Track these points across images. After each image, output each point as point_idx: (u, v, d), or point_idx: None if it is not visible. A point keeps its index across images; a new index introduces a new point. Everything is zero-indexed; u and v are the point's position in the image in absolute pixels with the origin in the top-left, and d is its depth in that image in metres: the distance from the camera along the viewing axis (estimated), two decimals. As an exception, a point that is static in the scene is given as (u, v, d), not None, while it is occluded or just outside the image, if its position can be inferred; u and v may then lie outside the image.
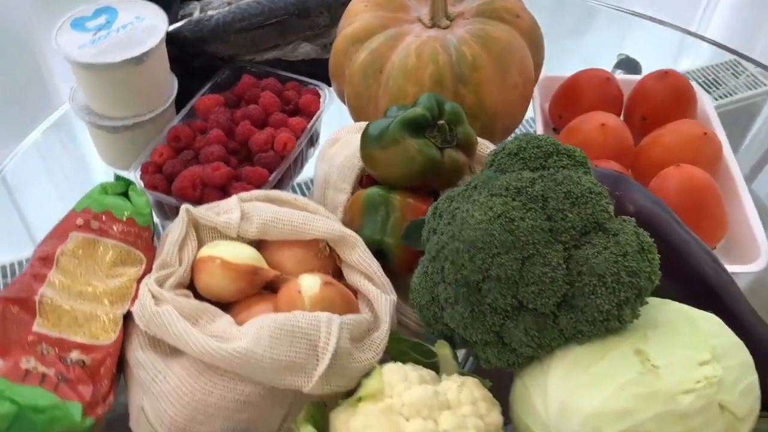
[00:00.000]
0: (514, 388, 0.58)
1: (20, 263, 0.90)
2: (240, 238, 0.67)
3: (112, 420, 0.61)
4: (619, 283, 0.51)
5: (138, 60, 0.80)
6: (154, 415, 0.57)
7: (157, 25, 0.83)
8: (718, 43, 1.25)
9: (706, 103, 0.89)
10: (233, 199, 0.68)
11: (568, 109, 0.89)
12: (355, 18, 0.87)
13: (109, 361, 0.60)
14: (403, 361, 0.58)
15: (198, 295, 0.64)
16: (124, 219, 0.67)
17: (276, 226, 0.66)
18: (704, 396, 0.49)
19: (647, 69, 0.91)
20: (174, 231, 0.65)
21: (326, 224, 0.66)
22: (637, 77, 0.91)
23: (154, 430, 0.57)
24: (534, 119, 0.94)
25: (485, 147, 0.75)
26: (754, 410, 0.52)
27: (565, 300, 0.53)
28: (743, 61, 1.24)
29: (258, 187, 0.77)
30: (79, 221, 0.66)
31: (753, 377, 0.53)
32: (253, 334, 0.55)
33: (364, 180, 0.75)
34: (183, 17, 0.95)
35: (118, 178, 0.71)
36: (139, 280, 0.65)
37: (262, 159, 0.80)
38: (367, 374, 0.57)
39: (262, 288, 0.65)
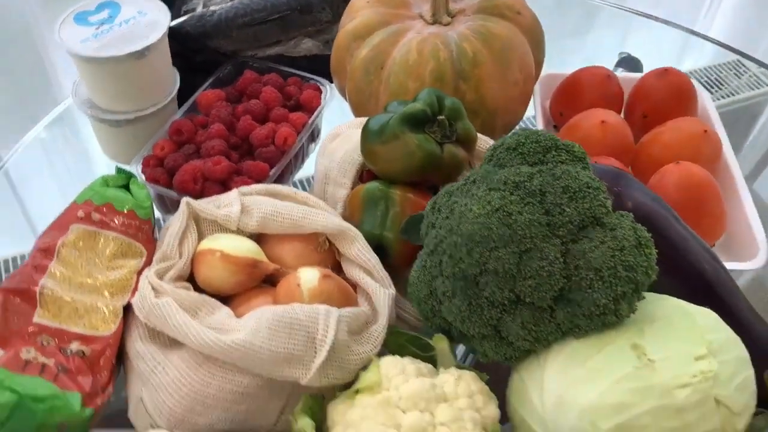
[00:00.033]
0: (511, 381, 0.58)
1: (23, 257, 0.90)
2: (240, 232, 0.67)
3: (111, 416, 0.61)
4: (615, 278, 0.51)
5: (140, 54, 0.80)
6: (153, 405, 0.58)
7: (159, 20, 0.83)
8: (720, 43, 1.25)
9: (707, 100, 0.89)
10: (233, 193, 0.69)
11: (568, 107, 0.89)
12: (357, 14, 0.87)
13: (108, 352, 0.61)
14: (401, 355, 0.58)
15: (198, 288, 0.64)
16: (125, 211, 0.67)
17: (276, 220, 0.66)
18: (700, 390, 0.49)
19: (649, 68, 0.91)
20: (174, 224, 0.66)
21: (326, 218, 0.66)
22: (638, 75, 0.91)
23: (152, 421, 0.58)
24: (535, 117, 0.94)
25: (485, 143, 0.75)
26: (750, 405, 0.52)
27: (562, 294, 0.53)
28: (746, 61, 1.24)
29: (258, 181, 0.77)
30: (80, 213, 0.66)
31: (749, 372, 0.53)
32: (252, 326, 0.56)
33: (364, 175, 0.75)
34: (186, 12, 0.95)
35: (119, 170, 0.71)
36: (139, 273, 0.65)
37: (262, 153, 0.80)
38: (364, 367, 0.57)
39: (262, 281, 0.66)
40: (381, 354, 0.59)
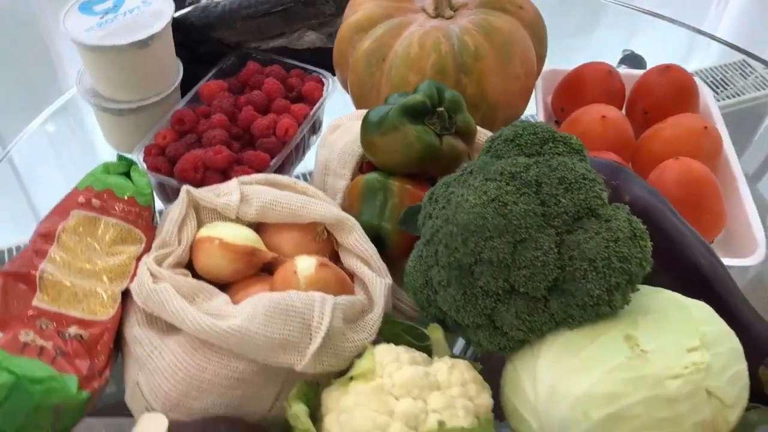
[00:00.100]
0: (505, 371, 0.58)
1: (26, 245, 0.91)
2: (239, 220, 0.68)
3: (112, 406, 0.62)
4: (609, 268, 0.51)
5: (143, 43, 0.81)
6: (149, 389, 0.58)
7: (163, 10, 0.84)
8: (727, 43, 1.25)
9: (708, 98, 0.89)
10: (233, 182, 0.69)
11: (570, 102, 0.89)
12: (360, 7, 0.87)
13: (106, 336, 0.61)
14: (397, 344, 0.59)
15: (196, 275, 0.64)
16: (126, 198, 0.68)
17: (275, 209, 0.66)
18: (691, 382, 0.49)
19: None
20: (174, 211, 0.66)
21: (324, 208, 0.66)
22: (640, 72, 0.91)
23: (148, 405, 0.58)
24: (536, 112, 0.94)
25: (484, 135, 0.75)
26: (742, 398, 0.53)
27: (556, 284, 0.53)
28: (752, 62, 1.23)
29: (259, 171, 0.78)
30: (81, 199, 0.67)
31: (741, 365, 0.53)
32: (248, 312, 0.56)
33: (364, 166, 0.76)
34: (190, 3, 0.96)
35: (120, 158, 0.72)
36: (138, 259, 0.65)
37: (263, 144, 0.81)
38: (359, 355, 0.57)
39: (260, 270, 0.66)
40: (376, 343, 0.59)
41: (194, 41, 0.93)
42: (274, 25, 0.94)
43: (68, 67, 1.39)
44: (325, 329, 0.56)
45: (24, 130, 1.02)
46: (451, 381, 0.54)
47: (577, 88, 0.90)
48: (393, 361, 0.55)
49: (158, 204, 0.76)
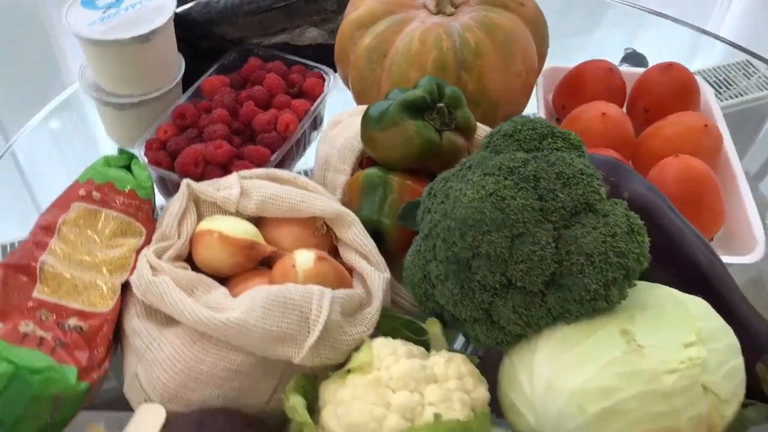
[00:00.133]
0: (502, 366, 0.58)
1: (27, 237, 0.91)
2: (239, 214, 0.68)
3: (113, 401, 0.62)
4: (606, 263, 0.52)
5: (145, 38, 0.81)
6: (147, 381, 0.58)
7: (165, 5, 0.84)
8: (731, 42, 1.25)
9: (709, 96, 0.89)
10: (233, 176, 0.69)
11: (571, 100, 0.89)
12: (361, 3, 0.87)
13: (106, 328, 0.61)
14: (395, 338, 0.59)
15: (196, 268, 0.65)
16: (126, 191, 0.68)
17: (274, 203, 0.67)
18: (687, 376, 0.49)
19: (656, 66, 0.91)
20: (174, 205, 0.67)
21: (324, 203, 0.67)
22: (642, 70, 0.91)
23: (146, 396, 0.58)
24: (537, 110, 0.94)
25: (484, 132, 0.76)
26: (738, 393, 0.53)
27: (554, 279, 0.53)
28: (755, 62, 1.23)
29: (259, 166, 0.78)
30: (82, 192, 0.67)
31: (738, 361, 0.53)
32: (247, 304, 0.56)
33: (364, 162, 0.76)
34: (193, -1, 0.96)
35: (121, 151, 0.72)
36: (138, 251, 0.66)
37: (264, 139, 0.81)
38: (357, 348, 0.58)
39: (259, 264, 0.67)
40: (374, 337, 0.59)
41: (196, 36, 0.93)
42: (276, 21, 0.95)
43: (71, 62, 1.40)
44: (323, 322, 0.56)
45: (26, 125, 1.03)
46: (447, 374, 0.55)
47: (578, 86, 0.90)
48: (390, 354, 0.55)
49: (159, 199, 0.76)
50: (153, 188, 0.71)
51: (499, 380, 0.58)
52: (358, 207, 0.70)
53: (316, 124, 0.92)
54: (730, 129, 0.87)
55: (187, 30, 0.92)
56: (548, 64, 0.93)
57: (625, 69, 0.94)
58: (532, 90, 0.88)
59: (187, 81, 0.91)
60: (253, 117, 0.83)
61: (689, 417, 0.49)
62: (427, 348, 0.59)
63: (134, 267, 0.64)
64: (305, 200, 0.66)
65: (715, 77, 1.22)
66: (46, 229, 0.65)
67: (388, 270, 0.65)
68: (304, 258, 0.61)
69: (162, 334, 0.59)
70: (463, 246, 0.55)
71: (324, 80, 0.91)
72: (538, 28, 0.86)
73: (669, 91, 0.86)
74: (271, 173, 0.71)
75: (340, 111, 0.82)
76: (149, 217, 0.69)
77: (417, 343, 0.59)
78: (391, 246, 0.69)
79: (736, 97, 1.18)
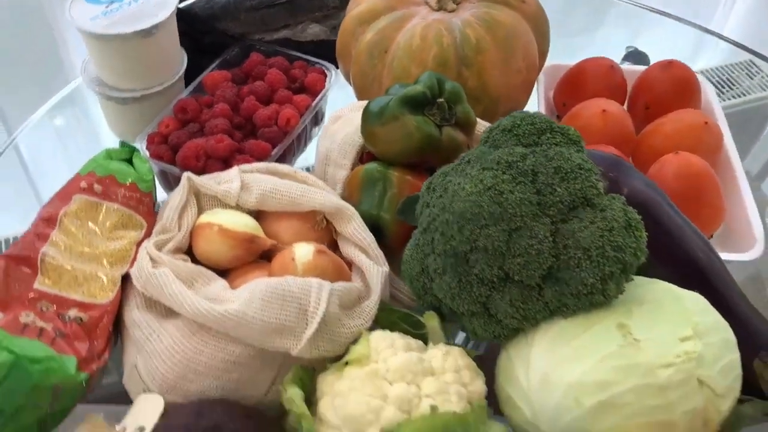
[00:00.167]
0: (500, 360, 0.58)
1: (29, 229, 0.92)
2: (239, 208, 0.68)
3: (115, 395, 0.62)
4: (603, 257, 0.52)
5: (148, 32, 0.82)
6: (146, 372, 0.59)
7: (168, 0, 0.85)
8: (734, 42, 1.25)
9: (710, 94, 0.89)
10: (234, 170, 0.70)
11: (572, 97, 0.89)
12: (363, -1, 0.88)
13: (105, 319, 0.62)
14: (393, 331, 0.59)
15: (196, 261, 0.65)
16: (127, 184, 0.69)
17: (274, 197, 0.67)
18: (683, 370, 0.50)
19: (658, 65, 0.91)
20: (175, 198, 0.67)
21: (323, 197, 0.67)
22: (643, 67, 0.92)
23: (145, 387, 0.59)
24: (538, 107, 0.94)
25: (484, 127, 0.75)
26: (734, 388, 0.53)
27: (551, 273, 0.53)
28: (758, 62, 1.23)
29: (260, 160, 0.78)
30: (83, 184, 0.67)
31: (734, 356, 0.53)
32: (246, 296, 0.57)
33: (364, 157, 0.76)
34: (195, -6, 0.97)
35: (123, 144, 0.72)
36: (138, 244, 0.66)
37: (265, 134, 0.81)
38: (355, 341, 0.58)
39: (259, 258, 0.67)
40: (372, 330, 0.60)
41: (198, 32, 0.94)
42: (279, 17, 0.95)
43: (74, 57, 1.40)
44: (321, 314, 0.56)
45: (29, 119, 1.03)
46: (445, 367, 0.55)
47: (579, 83, 0.90)
48: (388, 347, 0.56)
49: (161, 193, 0.77)
50: (154, 181, 0.71)
51: (496, 374, 0.58)
52: (357, 201, 0.70)
53: (317, 119, 0.92)
54: (733, 129, 0.87)
55: (190, 25, 0.92)
56: (550, 61, 0.93)
57: (626, 67, 0.94)
58: (532, 87, 0.88)
59: (189, 76, 0.91)
60: (254, 112, 0.83)
61: (684, 411, 0.50)
62: (425, 341, 0.60)
63: (135, 259, 0.64)
64: (305, 194, 0.67)
65: (718, 77, 1.22)
66: (47, 220, 0.65)
67: (387, 264, 0.65)
68: (304, 251, 0.62)
69: (161, 325, 0.60)
70: (461, 240, 0.55)
71: (325, 76, 0.91)
72: (539, 25, 0.86)
73: (670, 89, 0.86)
74: (272, 167, 0.71)
75: (342, 107, 0.83)
76: (150, 210, 0.70)
77: (415, 336, 0.59)
78: (390, 240, 0.69)
79: (739, 96, 1.18)
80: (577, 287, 0.52)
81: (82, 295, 0.62)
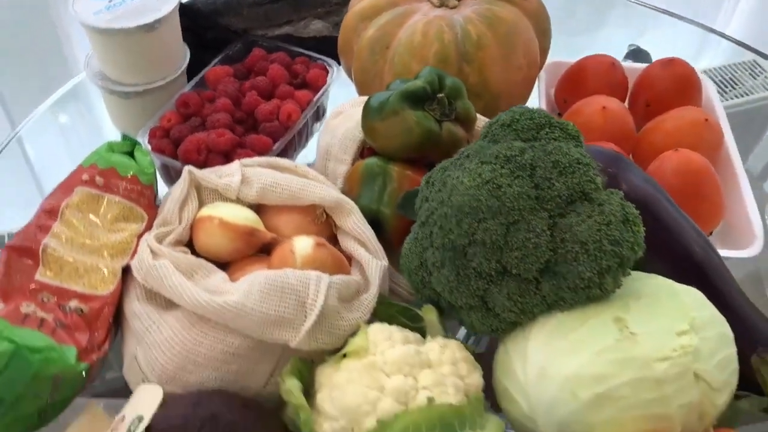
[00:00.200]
0: (497, 353, 0.59)
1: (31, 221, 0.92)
2: (240, 201, 0.68)
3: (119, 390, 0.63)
4: (601, 251, 0.52)
5: (150, 27, 0.82)
6: (146, 363, 0.59)
7: (170, -6, 0.85)
8: (738, 41, 1.25)
9: (711, 92, 0.89)
10: (235, 164, 0.70)
11: (573, 94, 0.89)
12: (366, -5, 0.88)
13: (106, 310, 0.62)
14: (391, 324, 0.59)
15: (197, 254, 0.65)
16: (129, 176, 0.69)
17: (274, 191, 0.67)
18: (679, 364, 0.50)
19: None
20: (176, 191, 0.67)
21: (324, 191, 0.67)
22: (644, 65, 0.92)
23: (145, 377, 0.59)
24: (539, 104, 0.94)
25: (485, 123, 0.76)
26: (731, 382, 0.53)
27: (548, 266, 0.54)
28: (762, 62, 1.23)
29: (261, 154, 0.79)
30: (85, 176, 0.68)
31: (731, 350, 0.53)
32: (245, 288, 0.57)
33: (365, 152, 0.76)
34: (198, -11, 0.97)
35: (124, 137, 0.73)
36: (139, 236, 0.66)
37: (266, 128, 0.82)
38: (354, 334, 0.58)
39: (259, 251, 0.67)
40: (371, 323, 0.60)
41: (201, 27, 0.94)
42: (281, 13, 0.95)
43: (78, 51, 1.41)
44: (319, 307, 0.57)
45: (33, 113, 1.04)
46: (442, 360, 0.55)
47: (580, 80, 0.90)
48: (386, 340, 0.56)
49: (164, 188, 0.77)
50: (155, 174, 0.72)
51: (494, 368, 0.59)
52: (357, 196, 0.70)
53: (318, 115, 0.93)
54: (736, 128, 0.87)
55: (192, 20, 0.92)
56: (552, 59, 0.93)
57: (628, 64, 0.94)
58: (533, 84, 0.88)
59: (192, 71, 0.91)
60: (256, 107, 0.84)
61: (680, 404, 0.50)
62: (424, 335, 0.60)
63: (135, 251, 0.64)
64: (305, 188, 0.67)
65: (721, 76, 1.21)
66: (49, 212, 0.66)
67: (386, 258, 0.66)
68: (303, 244, 0.62)
69: (161, 317, 0.60)
70: (459, 233, 0.55)
71: (327, 72, 0.91)
72: (540, 22, 0.86)
73: (670, 86, 0.86)
74: (273, 162, 0.72)
75: (343, 102, 0.83)
76: (151, 203, 0.70)
77: (413, 329, 0.60)
78: (390, 235, 0.69)
79: (742, 96, 1.18)
80: (575, 281, 0.53)
81: (83, 286, 0.63)
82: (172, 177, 0.83)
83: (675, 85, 0.86)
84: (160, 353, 0.58)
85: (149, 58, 0.85)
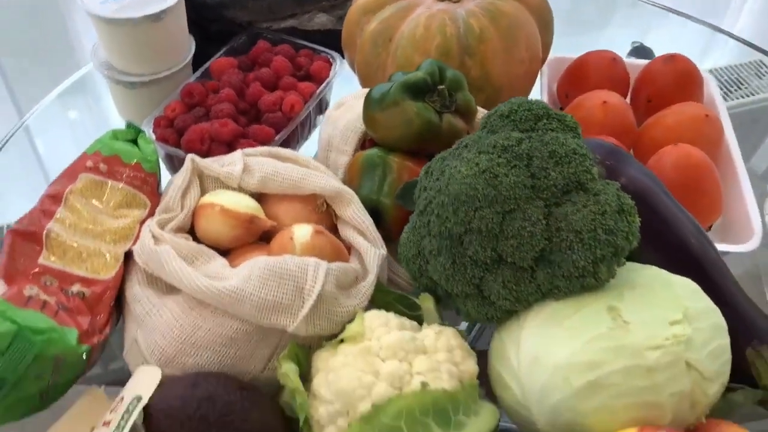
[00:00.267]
0: (492, 341, 0.59)
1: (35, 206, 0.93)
2: (241, 190, 0.69)
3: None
4: (595, 240, 0.52)
5: (156, 17, 0.83)
6: (146, 345, 0.60)
7: (177, -15, 0.86)
8: (744, 40, 1.24)
9: (713, 88, 0.89)
10: (237, 153, 0.71)
11: (574, 89, 0.90)
12: (369, -11, 0.89)
13: (108, 294, 0.63)
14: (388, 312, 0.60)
15: (198, 241, 0.66)
16: (132, 164, 0.70)
17: (275, 180, 0.68)
18: (671, 353, 0.50)
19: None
20: (178, 178, 0.68)
21: (324, 180, 0.68)
22: (645, 61, 0.92)
23: (145, 360, 0.60)
24: (541, 98, 0.94)
25: (484, 115, 0.76)
26: (723, 373, 0.53)
27: (543, 255, 0.54)
28: None
29: (263, 144, 0.79)
30: (89, 163, 0.69)
31: (723, 341, 0.54)
32: (244, 274, 0.58)
33: (366, 144, 0.77)
34: (204, -18, 0.98)
35: (129, 125, 0.73)
36: (142, 222, 0.67)
37: (269, 119, 0.82)
38: (351, 320, 0.59)
39: (260, 239, 0.68)
40: (368, 310, 0.61)
41: (206, 19, 0.95)
42: (286, 6, 0.96)
43: (85, 42, 1.42)
44: (317, 293, 0.57)
45: (40, 102, 1.05)
46: (437, 346, 0.56)
47: (582, 75, 0.90)
48: (382, 326, 0.57)
49: (167, 176, 0.78)
50: (158, 162, 0.73)
51: (489, 355, 0.59)
52: (358, 186, 0.71)
53: (321, 107, 0.93)
54: (741, 128, 0.87)
55: (198, 13, 0.93)
56: (554, 55, 0.94)
57: (630, 60, 0.94)
58: (535, 78, 0.89)
59: (197, 64, 0.92)
60: (259, 97, 0.84)
61: (671, 393, 0.50)
62: (421, 323, 0.61)
63: (138, 237, 0.65)
64: (306, 177, 0.68)
65: (727, 76, 1.22)
66: (53, 198, 0.67)
67: (384, 247, 0.66)
68: (302, 231, 0.63)
69: (162, 301, 0.61)
70: (455, 221, 0.56)
71: (331, 64, 0.92)
72: (542, 16, 0.87)
73: (672, 82, 0.86)
74: (274, 151, 0.72)
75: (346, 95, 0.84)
76: (154, 190, 0.71)
77: (411, 318, 0.60)
78: (389, 225, 0.70)
79: (747, 96, 1.18)
80: (569, 269, 0.53)
81: (85, 270, 0.64)
82: (175, 166, 0.83)
83: (676, 80, 0.86)
84: (159, 336, 0.59)
85: (155, 48, 0.86)
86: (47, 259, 0.63)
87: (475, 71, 0.81)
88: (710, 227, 0.79)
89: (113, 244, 0.66)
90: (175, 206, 0.67)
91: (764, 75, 1.23)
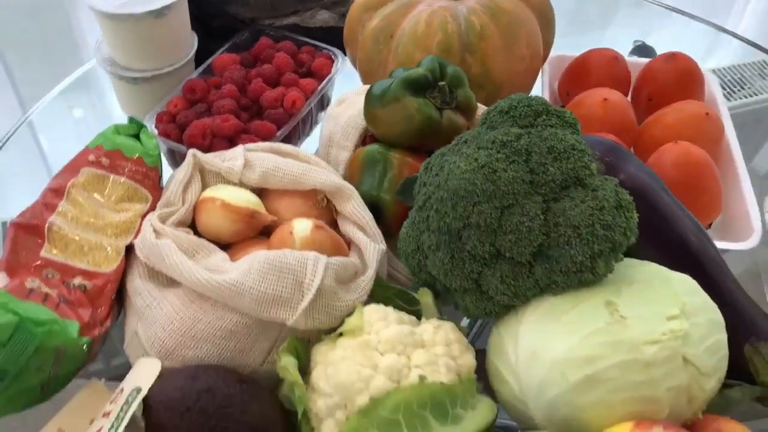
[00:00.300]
0: (490, 336, 0.59)
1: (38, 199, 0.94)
2: (242, 185, 0.70)
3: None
4: (593, 236, 0.53)
5: (159, 13, 0.83)
6: (147, 338, 0.60)
7: (180, -18, 0.87)
8: (747, 40, 1.24)
9: (714, 87, 0.90)
10: (239, 148, 0.71)
11: (575, 86, 0.90)
12: (372, -14, 0.89)
13: (109, 287, 0.64)
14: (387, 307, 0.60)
15: (199, 235, 0.66)
16: (134, 158, 0.70)
17: (276, 175, 0.68)
18: (668, 348, 0.50)
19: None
20: (180, 173, 0.69)
21: (324, 176, 0.68)
22: (647, 60, 0.92)
23: (145, 352, 0.60)
24: (542, 96, 0.95)
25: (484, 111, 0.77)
26: (720, 368, 0.53)
27: (541, 250, 0.54)
28: (771, 62, 1.23)
29: (265, 140, 0.80)
30: (91, 157, 0.69)
31: (721, 336, 0.54)
32: (244, 267, 0.58)
33: (367, 140, 0.77)
34: (206, -22, 0.98)
35: (131, 120, 0.74)
36: (143, 216, 0.68)
37: (271, 115, 0.83)
38: (350, 314, 0.59)
39: (261, 234, 0.68)
40: (368, 304, 0.61)
41: (208, 15, 0.95)
42: (288, 3, 0.96)
43: (89, 38, 1.43)
44: (316, 286, 0.58)
45: (44, 98, 1.05)
46: (435, 340, 0.56)
47: (583, 73, 0.91)
48: (381, 320, 0.57)
49: (168, 171, 0.78)
50: (160, 157, 0.73)
51: (487, 350, 0.59)
52: (358, 182, 0.71)
53: (323, 104, 0.94)
54: (744, 128, 0.87)
55: (200, 9, 0.94)
56: (556, 53, 0.94)
57: (631, 59, 0.94)
58: (536, 75, 0.89)
59: (199, 60, 0.93)
60: (261, 94, 0.85)
61: (668, 387, 0.50)
62: (420, 318, 0.61)
63: (139, 231, 0.66)
64: (306, 173, 0.68)
65: (731, 76, 1.22)
66: (55, 191, 0.67)
67: (384, 242, 0.66)
68: (302, 226, 0.63)
69: (162, 294, 0.61)
70: (454, 216, 0.56)
71: (332, 61, 0.93)
72: (544, 14, 0.87)
73: (673, 80, 0.86)
74: (275, 147, 0.73)
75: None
76: (155, 185, 0.71)
77: (409, 313, 0.61)
78: (389, 221, 0.70)
79: (751, 96, 1.18)
80: (567, 264, 0.53)
81: (87, 263, 0.64)
82: (177, 161, 0.84)
83: (677, 79, 0.86)
84: (160, 329, 0.59)
85: (158, 44, 0.87)
86: (49, 252, 0.64)
87: (475, 68, 0.81)
88: (710, 225, 0.79)
89: (115, 237, 0.66)
90: (177, 200, 0.67)
91: (767, 75, 1.23)
